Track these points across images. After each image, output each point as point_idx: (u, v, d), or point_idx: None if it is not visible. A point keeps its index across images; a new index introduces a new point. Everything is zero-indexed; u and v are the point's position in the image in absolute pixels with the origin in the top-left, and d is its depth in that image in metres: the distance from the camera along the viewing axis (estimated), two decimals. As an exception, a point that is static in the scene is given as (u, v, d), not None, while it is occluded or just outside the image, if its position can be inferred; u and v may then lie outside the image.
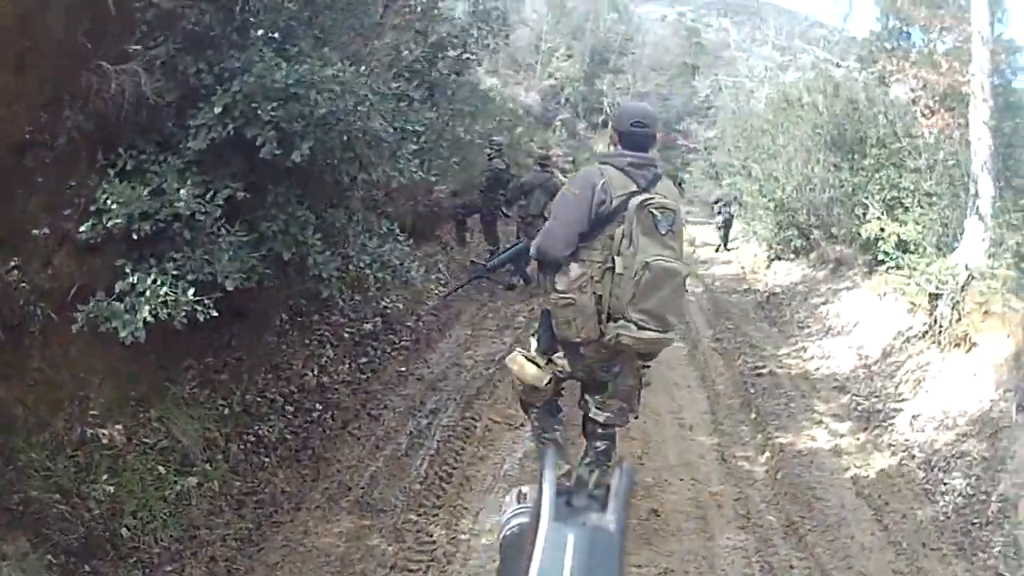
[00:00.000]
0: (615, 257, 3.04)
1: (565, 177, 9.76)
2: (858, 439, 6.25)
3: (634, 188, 3.14)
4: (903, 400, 6.71)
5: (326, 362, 6.26)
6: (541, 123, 20.04)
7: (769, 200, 12.55)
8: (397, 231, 5.27)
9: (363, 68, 4.40)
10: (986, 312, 6.67)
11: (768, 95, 18.03)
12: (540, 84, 23.19)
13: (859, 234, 9.39)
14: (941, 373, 6.74)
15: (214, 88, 3.91)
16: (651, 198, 3.09)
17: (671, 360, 7.78)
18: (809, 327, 9.51)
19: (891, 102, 10.33)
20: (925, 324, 7.32)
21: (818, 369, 7.96)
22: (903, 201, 8.84)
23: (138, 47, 3.75)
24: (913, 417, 6.33)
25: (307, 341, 6.22)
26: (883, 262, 8.53)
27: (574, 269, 3.12)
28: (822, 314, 9.76)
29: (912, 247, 7.99)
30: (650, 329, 3.04)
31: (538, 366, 3.34)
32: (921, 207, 8.52)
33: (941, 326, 6.91)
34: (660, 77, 29.43)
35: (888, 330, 7.99)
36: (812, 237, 11.93)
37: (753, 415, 6.66)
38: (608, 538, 0.62)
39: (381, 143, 4.38)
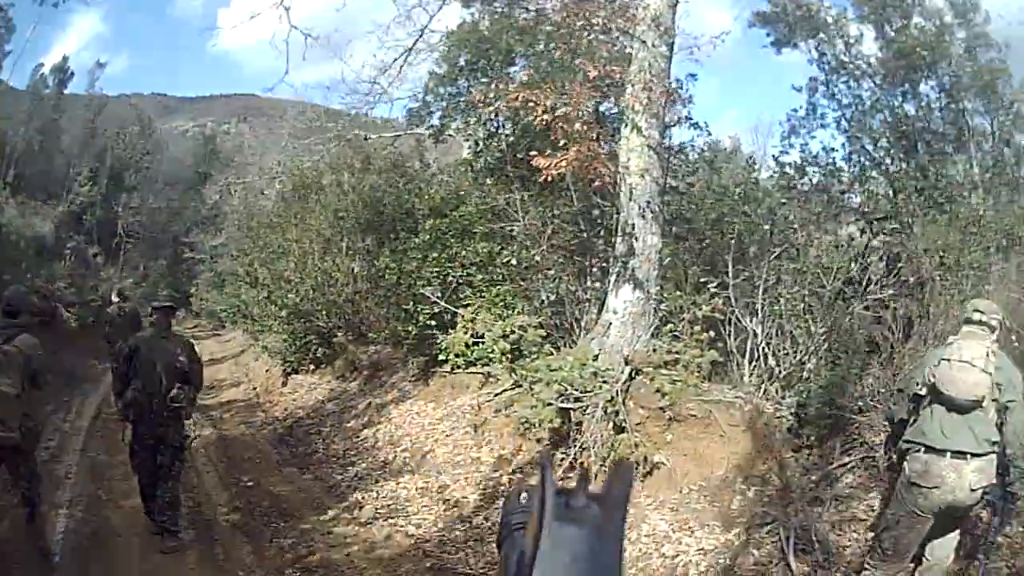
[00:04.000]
0: None
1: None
2: None
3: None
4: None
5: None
6: (50, 254, 17.79)
7: (280, 307, 9.95)
8: None
9: None
10: (671, 418, 5.09)
11: (279, 189, 16.13)
12: (56, 211, 21.43)
13: (407, 332, 7.44)
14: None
15: None
16: None
17: (177, 563, 4.96)
18: (356, 464, 6.88)
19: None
20: (547, 444, 5.51)
21: (389, 538, 5.36)
22: (477, 280, 7.06)
23: None
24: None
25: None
26: (445, 361, 6.57)
27: None
28: (368, 442, 7.27)
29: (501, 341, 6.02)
30: None
31: None
32: (513, 280, 6.76)
33: (587, 447, 5.06)
34: (173, 191, 29.03)
35: (479, 457, 6.09)
36: (336, 342, 9.73)
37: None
38: (607, 538, 0.60)
39: None
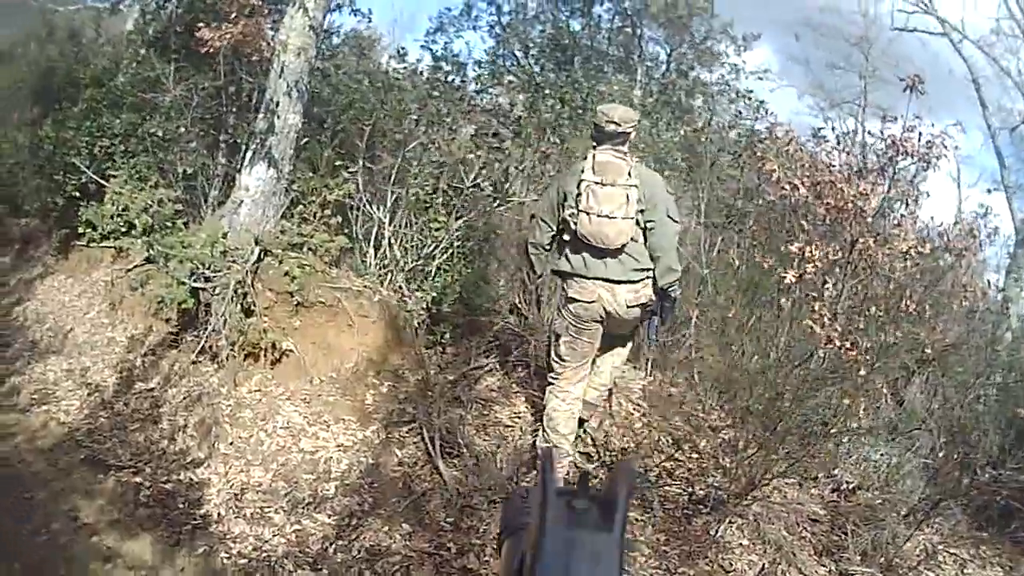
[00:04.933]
0: None
1: None
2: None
3: None
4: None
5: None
6: None
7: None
8: None
9: None
10: (299, 304, 5.01)
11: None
12: None
13: (55, 202, 6.77)
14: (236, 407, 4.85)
15: None
16: None
17: None
18: (10, 345, 6.33)
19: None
20: (177, 325, 5.32)
21: (45, 427, 5.01)
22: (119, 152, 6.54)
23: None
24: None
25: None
26: (83, 233, 6.13)
27: None
28: (19, 320, 6.69)
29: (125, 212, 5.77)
30: None
31: None
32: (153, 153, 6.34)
33: (217, 330, 4.94)
34: None
35: (114, 336, 5.80)
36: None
37: None
38: (608, 539, 0.60)
39: None
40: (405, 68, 7.13)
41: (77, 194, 6.49)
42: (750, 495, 3.88)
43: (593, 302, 3.69)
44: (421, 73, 7.19)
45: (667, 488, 4.07)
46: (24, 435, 4.91)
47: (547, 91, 6.59)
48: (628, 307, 3.71)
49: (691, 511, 3.92)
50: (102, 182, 6.06)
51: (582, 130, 6.14)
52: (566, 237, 3.73)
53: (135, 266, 5.72)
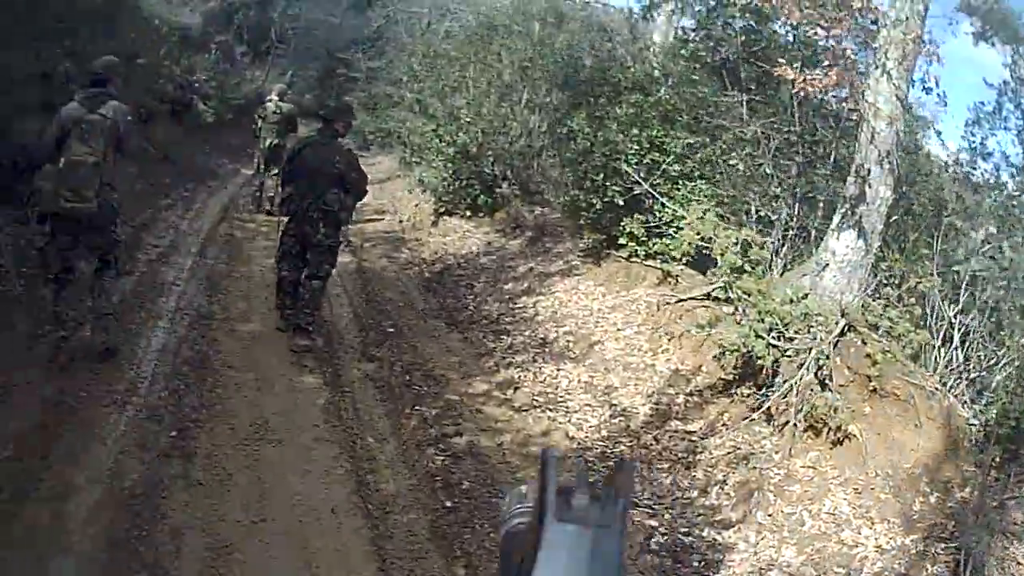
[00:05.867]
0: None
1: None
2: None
3: (83, 112, 4.42)
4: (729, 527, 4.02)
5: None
6: (195, 47, 17.34)
7: (448, 144, 9.26)
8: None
9: None
10: (874, 390, 4.35)
11: (456, 25, 15.61)
12: (207, 5, 21.03)
13: (590, 203, 6.56)
14: (785, 479, 4.22)
15: None
16: (83, 116, 4.40)
17: (297, 414, 4.59)
18: (511, 334, 6.26)
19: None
20: (733, 373, 4.76)
21: (546, 434, 4.78)
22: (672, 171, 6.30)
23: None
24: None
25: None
26: (623, 245, 6.13)
27: (48, 167, 4.42)
28: (527, 312, 6.63)
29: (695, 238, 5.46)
30: (71, 202, 4.34)
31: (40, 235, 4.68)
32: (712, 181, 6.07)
33: (791, 403, 4.38)
34: (336, 9, 27.52)
35: (654, 364, 5.33)
36: (500, 192, 8.96)
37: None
38: (609, 537, 0.59)
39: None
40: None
41: (620, 202, 6.17)
42: None
43: None
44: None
45: None
46: (514, 436, 4.74)
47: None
48: None
49: None
50: (664, 201, 5.75)
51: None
52: None
53: (688, 297, 5.29)
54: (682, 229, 5.63)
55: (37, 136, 4.82)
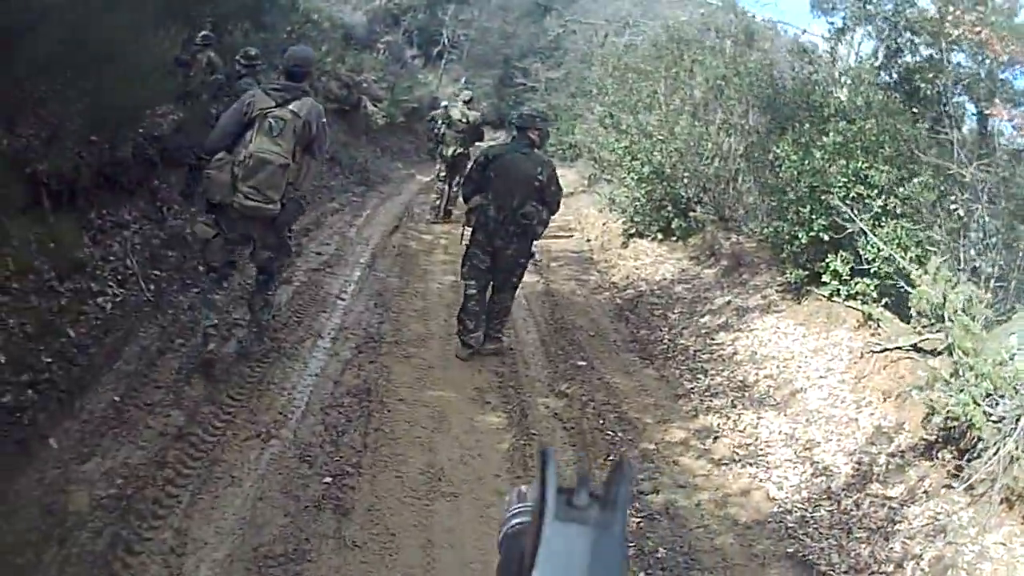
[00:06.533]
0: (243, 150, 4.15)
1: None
2: None
3: (272, 104, 4.16)
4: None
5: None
6: (361, 45, 17.52)
7: (642, 163, 9.07)
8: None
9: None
10: None
11: (637, 38, 15.47)
12: (371, 5, 21.18)
13: (795, 236, 6.25)
14: (978, 556, 3.78)
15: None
16: (272, 109, 4.14)
17: (476, 460, 4.18)
18: (708, 373, 5.98)
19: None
20: (937, 435, 4.36)
21: (746, 494, 4.52)
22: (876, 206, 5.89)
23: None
24: None
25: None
26: (825, 283, 5.80)
27: (222, 156, 4.19)
28: (725, 350, 6.33)
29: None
30: (253, 200, 4.13)
31: (207, 225, 4.33)
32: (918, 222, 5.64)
33: (991, 472, 3.90)
34: (509, 16, 28.54)
35: (857, 419, 4.99)
36: (695, 216, 8.75)
37: None
38: (609, 537, 0.59)
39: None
40: None
41: (825, 236, 5.82)
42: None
43: None
44: None
45: None
46: (712, 495, 4.39)
47: None
48: None
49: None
50: (876, 241, 5.31)
51: None
52: None
53: (894, 347, 4.89)
54: (880, 267, 5.35)
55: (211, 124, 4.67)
